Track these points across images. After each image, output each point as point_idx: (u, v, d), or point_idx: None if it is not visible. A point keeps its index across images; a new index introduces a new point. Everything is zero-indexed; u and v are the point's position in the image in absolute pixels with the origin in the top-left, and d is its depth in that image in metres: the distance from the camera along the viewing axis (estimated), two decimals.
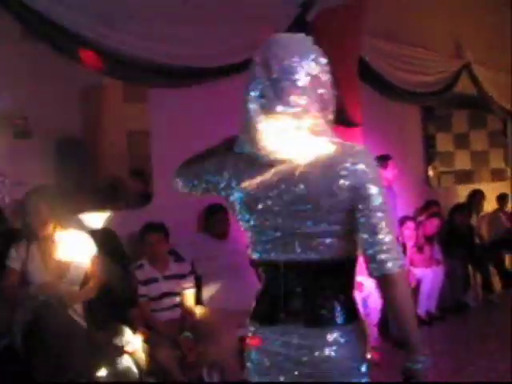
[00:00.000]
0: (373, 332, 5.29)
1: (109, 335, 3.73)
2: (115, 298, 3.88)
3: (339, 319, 1.82)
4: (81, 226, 4.46)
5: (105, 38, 4.27)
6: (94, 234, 4.07)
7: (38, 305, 3.38)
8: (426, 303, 6.12)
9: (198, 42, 4.72)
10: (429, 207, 6.82)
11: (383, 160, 5.62)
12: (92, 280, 3.70)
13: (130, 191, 6.42)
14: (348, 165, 1.74)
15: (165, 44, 4.49)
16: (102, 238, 4.08)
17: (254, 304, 1.96)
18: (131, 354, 3.78)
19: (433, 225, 6.40)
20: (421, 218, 6.57)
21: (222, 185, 1.92)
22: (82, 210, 5.16)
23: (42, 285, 3.50)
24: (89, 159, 6.60)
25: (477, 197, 7.65)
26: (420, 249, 6.27)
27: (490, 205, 7.92)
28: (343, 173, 1.74)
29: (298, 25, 5.62)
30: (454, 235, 6.89)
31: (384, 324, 5.40)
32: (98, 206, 5.75)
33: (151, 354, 3.86)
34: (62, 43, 4.23)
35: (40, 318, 3.32)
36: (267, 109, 1.76)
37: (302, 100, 1.74)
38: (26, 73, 6.09)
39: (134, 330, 3.91)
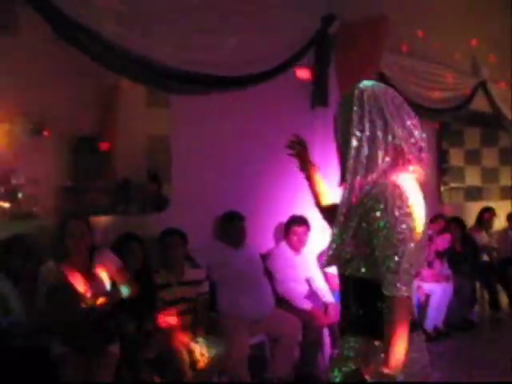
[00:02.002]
0: None
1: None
2: (137, 303, 3.93)
3: None
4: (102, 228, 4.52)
5: (130, 43, 4.32)
6: (120, 239, 4.19)
7: None
8: (434, 318, 6.15)
9: (222, 51, 4.77)
10: (436, 221, 6.81)
11: None
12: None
13: (143, 194, 6.45)
14: None
15: (189, 51, 4.54)
16: (128, 243, 4.19)
17: None
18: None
19: (444, 240, 6.42)
20: (429, 232, 6.58)
21: None
22: (94, 211, 5.21)
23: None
24: (104, 160, 6.63)
25: (487, 214, 7.67)
26: (430, 264, 6.30)
27: (498, 223, 7.95)
28: None
29: (320, 38, 5.68)
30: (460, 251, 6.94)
31: None
32: (110, 208, 5.79)
33: (167, 358, 3.91)
34: (88, 45, 4.29)
35: None
36: None
37: None
38: (46, 71, 6.15)
39: (151, 333, 3.97)
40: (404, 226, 1.91)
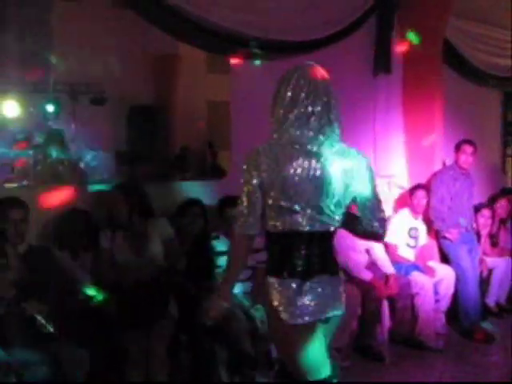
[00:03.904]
0: (441, 319, 5.21)
1: None
2: (193, 270, 3.95)
3: None
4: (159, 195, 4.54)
5: (191, 7, 4.25)
6: (183, 204, 4.23)
7: None
8: (497, 294, 5.97)
9: (282, 15, 4.67)
10: (504, 196, 6.55)
11: (460, 145, 5.51)
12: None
13: (200, 162, 6.46)
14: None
15: (251, 15, 4.46)
16: (190, 208, 4.20)
17: None
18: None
19: (503, 207, 6.16)
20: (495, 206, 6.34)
21: None
22: (151, 178, 5.24)
23: None
24: (161, 127, 6.67)
25: None
26: (494, 237, 6.10)
27: None
28: None
29: (383, 2, 5.50)
30: None
31: (453, 312, 5.32)
32: (167, 175, 5.81)
33: (226, 325, 3.89)
34: (148, 9, 4.24)
35: None
36: None
37: None
38: (106, 39, 6.17)
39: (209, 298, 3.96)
40: (243, 180, 2.51)
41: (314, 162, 2.45)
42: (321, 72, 2.58)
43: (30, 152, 5.10)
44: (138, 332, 3.60)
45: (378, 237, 2.68)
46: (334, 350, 4.56)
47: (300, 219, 2.46)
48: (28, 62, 6.21)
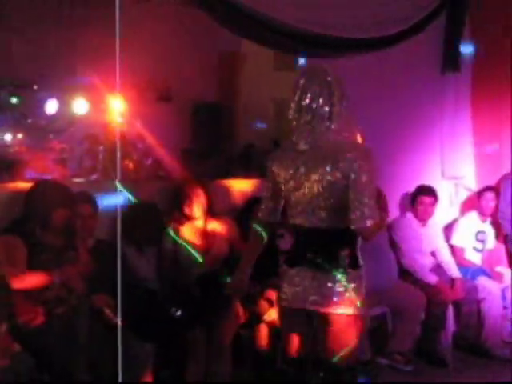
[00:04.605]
0: (508, 326, 5.05)
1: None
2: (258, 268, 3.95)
3: None
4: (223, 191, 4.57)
5: (258, 4, 4.25)
6: (249, 202, 4.29)
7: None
8: None
9: (348, 13, 4.60)
10: None
11: None
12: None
13: (264, 160, 6.44)
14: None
15: (317, 13, 4.42)
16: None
17: None
18: (269, 324, 3.87)
19: None
20: None
21: None
22: (215, 176, 5.27)
23: None
24: (226, 125, 6.70)
25: None
26: None
27: None
28: None
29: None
30: None
31: None
32: (230, 173, 5.82)
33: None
34: (214, 7, 4.25)
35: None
36: None
37: None
38: (171, 36, 6.23)
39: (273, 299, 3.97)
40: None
41: (303, 160, 2.60)
42: (327, 72, 2.67)
43: (101, 148, 5.19)
44: (201, 328, 3.64)
45: (360, 232, 2.58)
46: (396, 354, 4.53)
47: (296, 215, 2.68)
48: (94, 59, 6.33)
